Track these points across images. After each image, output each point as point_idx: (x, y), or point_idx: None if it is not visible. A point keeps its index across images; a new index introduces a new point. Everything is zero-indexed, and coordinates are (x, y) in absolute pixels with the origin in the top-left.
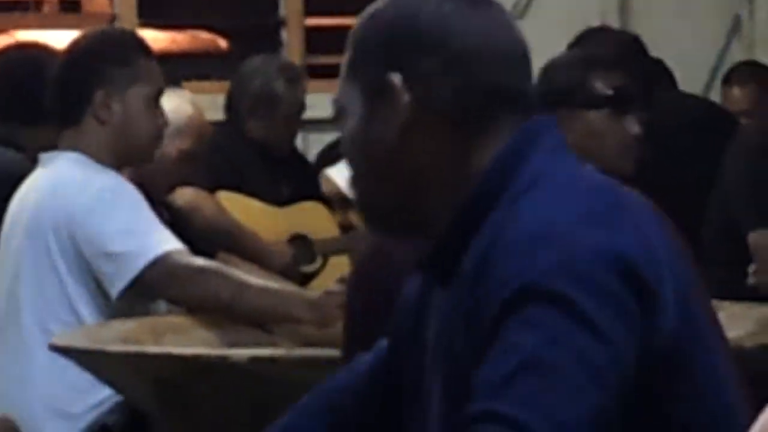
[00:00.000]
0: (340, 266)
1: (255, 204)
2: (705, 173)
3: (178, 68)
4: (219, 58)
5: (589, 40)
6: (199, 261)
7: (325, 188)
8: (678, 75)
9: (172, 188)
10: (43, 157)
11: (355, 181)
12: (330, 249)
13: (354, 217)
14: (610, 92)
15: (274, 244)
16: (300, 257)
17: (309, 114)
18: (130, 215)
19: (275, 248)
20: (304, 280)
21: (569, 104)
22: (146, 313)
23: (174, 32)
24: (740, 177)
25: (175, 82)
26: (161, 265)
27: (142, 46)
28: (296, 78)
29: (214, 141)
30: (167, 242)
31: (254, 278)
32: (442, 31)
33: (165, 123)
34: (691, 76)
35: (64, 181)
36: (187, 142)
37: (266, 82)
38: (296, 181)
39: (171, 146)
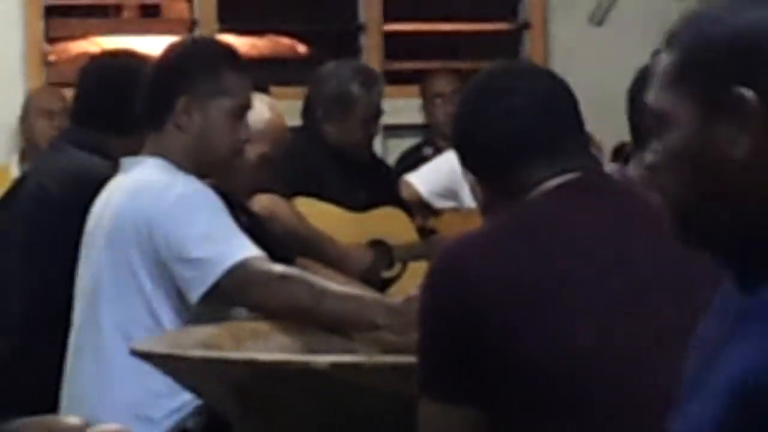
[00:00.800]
0: (419, 272)
1: (333, 210)
2: None
3: (259, 73)
4: (299, 63)
5: None
6: (279, 267)
7: (405, 194)
8: None
9: (251, 193)
10: (125, 162)
11: (675, 191)
12: (409, 255)
13: (433, 223)
14: None
15: (353, 248)
16: (379, 263)
17: (387, 119)
18: (210, 220)
19: (354, 253)
20: (383, 285)
21: None
22: (226, 318)
23: (254, 37)
24: None
25: (260, 88)
26: (241, 271)
27: (232, 58)
28: (372, 81)
29: (292, 146)
30: (247, 248)
31: (334, 284)
32: None
33: (246, 139)
34: None
35: (144, 185)
36: (266, 147)
37: (341, 84)
38: (375, 186)
39: (250, 150)
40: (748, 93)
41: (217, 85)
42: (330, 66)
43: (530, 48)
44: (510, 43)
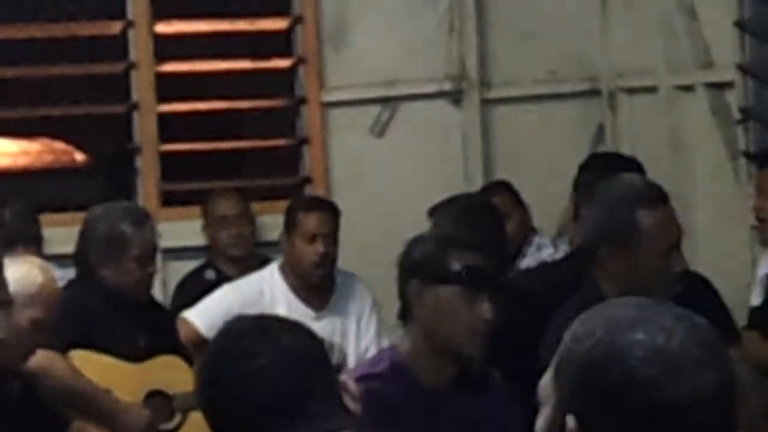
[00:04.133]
0: (200, 422)
1: (110, 361)
2: None
3: (32, 189)
4: (76, 179)
5: (445, 207)
6: None
7: (183, 332)
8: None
9: (26, 357)
10: None
11: None
12: (189, 404)
13: None
14: (461, 270)
15: (130, 404)
16: (158, 415)
17: (167, 242)
18: None
19: (131, 409)
20: None
21: (423, 277)
22: None
23: (27, 141)
24: None
25: (34, 214)
26: None
27: None
28: (143, 219)
29: (67, 298)
30: None
31: None
32: None
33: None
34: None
35: None
36: (38, 311)
37: (112, 226)
38: (154, 330)
39: (22, 316)
40: None
41: None
42: (98, 209)
43: (310, 163)
44: (291, 158)
